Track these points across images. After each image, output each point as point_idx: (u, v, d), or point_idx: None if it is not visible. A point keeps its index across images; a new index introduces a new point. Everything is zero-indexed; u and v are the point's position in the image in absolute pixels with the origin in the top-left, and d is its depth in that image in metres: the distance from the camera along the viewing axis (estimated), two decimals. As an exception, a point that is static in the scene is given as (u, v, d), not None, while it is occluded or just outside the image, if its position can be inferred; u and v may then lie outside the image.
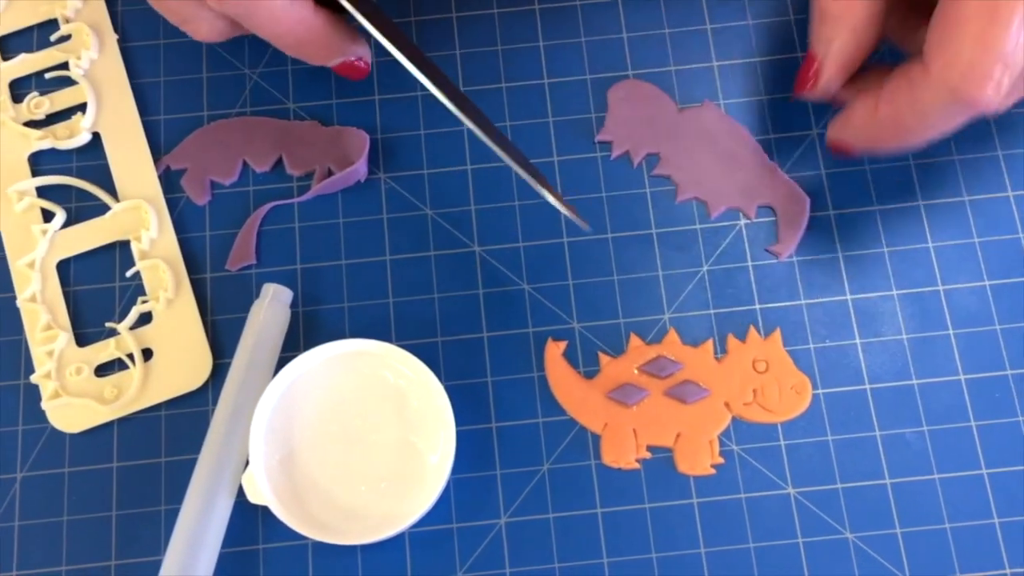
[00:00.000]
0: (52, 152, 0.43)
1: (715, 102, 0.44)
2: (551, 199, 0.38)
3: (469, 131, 0.43)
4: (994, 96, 0.33)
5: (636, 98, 0.44)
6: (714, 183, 0.42)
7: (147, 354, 0.41)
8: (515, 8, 0.45)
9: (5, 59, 0.44)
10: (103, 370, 0.41)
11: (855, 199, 0.42)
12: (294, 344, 0.41)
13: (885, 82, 0.36)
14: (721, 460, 0.39)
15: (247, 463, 0.38)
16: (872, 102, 0.37)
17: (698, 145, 0.43)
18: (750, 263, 0.42)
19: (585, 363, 0.40)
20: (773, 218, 0.42)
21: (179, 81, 0.45)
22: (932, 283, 0.41)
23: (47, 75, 0.44)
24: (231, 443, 0.38)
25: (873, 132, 0.37)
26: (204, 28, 0.39)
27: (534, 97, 0.44)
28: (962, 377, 0.40)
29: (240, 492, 0.38)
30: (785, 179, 0.42)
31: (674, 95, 0.44)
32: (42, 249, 0.41)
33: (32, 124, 0.43)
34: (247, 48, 0.45)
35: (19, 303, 0.41)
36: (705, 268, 0.42)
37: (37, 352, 0.40)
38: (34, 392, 0.40)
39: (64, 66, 0.44)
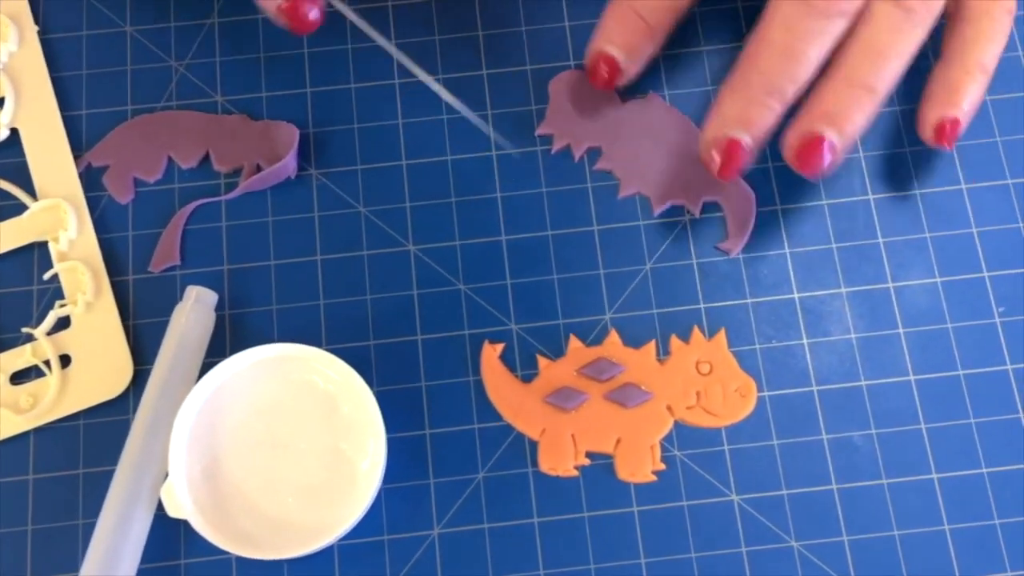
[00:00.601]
0: (-33, 149, 0.41)
1: (660, 94, 0.42)
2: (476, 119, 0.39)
3: (404, 124, 0.42)
4: None
5: (578, 90, 0.42)
6: (658, 178, 0.41)
7: (65, 360, 0.39)
8: (453, -4, 0.44)
9: (-82, 52, 0.42)
10: (19, 378, 0.39)
11: (803, 193, 0.41)
12: (220, 349, 0.39)
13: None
14: (663, 466, 0.38)
15: (168, 474, 0.36)
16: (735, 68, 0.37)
17: (642, 139, 0.41)
18: (695, 260, 0.40)
19: (523, 366, 0.39)
20: (719, 214, 0.41)
21: (102, 74, 0.43)
22: (882, 280, 0.40)
23: (-38, 68, 0.42)
24: (150, 453, 0.37)
25: (750, 83, 0.36)
26: None
27: (473, 88, 0.42)
28: (912, 378, 0.38)
29: (161, 505, 0.36)
30: (732, 173, 0.41)
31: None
32: (-45, 251, 0.40)
33: (-54, 120, 0.42)
34: (173, 39, 0.43)
35: (-70, 308, 0.39)
36: (648, 266, 0.40)
37: (-51, 359, 0.39)
38: (-54, 401, 0.38)
39: (-19, 59, 0.42)
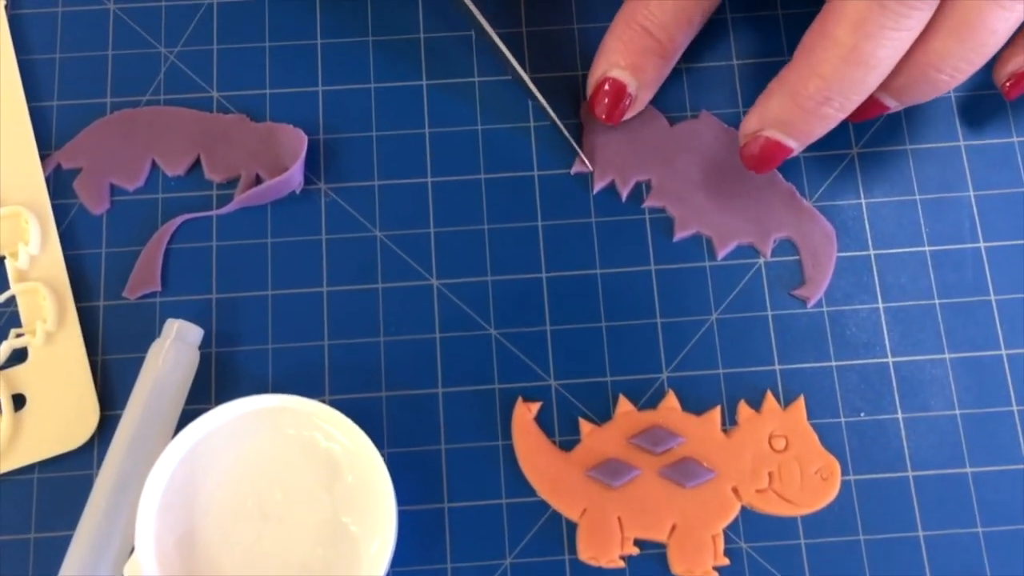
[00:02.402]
0: (-84, 143, 0.35)
1: (713, 112, 0.36)
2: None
3: (431, 134, 0.36)
4: None
5: None
6: (719, 215, 0.35)
7: (19, 402, 0.33)
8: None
9: None
10: (-37, 420, 0.33)
11: (902, 237, 0.35)
12: (204, 395, 0.33)
13: None
14: (726, 561, 0.32)
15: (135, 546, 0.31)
16: (789, 65, 0.31)
17: (696, 167, 0.35)
18: (769, 312, 0.34)
19: (562, 430, 0.33)
20: (796, 256, 0.34)
21: (78, 59, 0.37)
22: (993, 346, 0.34)
23: (-86, 46, 0.36)
24: (115, 518, 0.31)
25: (804, 86, 0.31)
26: None
27: (513, 98, 0.36)
28: (1028, 466, 0.33)
29: (124, 583, 0.31)
30: (807, 206, 0.35)
31: (662, 106, 0.36)
32: None
33: None
34: (164, 21, 0.37)
35: None
36: (714, 316, 0.34)
37: None
38: None
39: (-62, 36, 0.36)
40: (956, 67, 0.30)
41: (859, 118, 0.33)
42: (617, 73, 0.34)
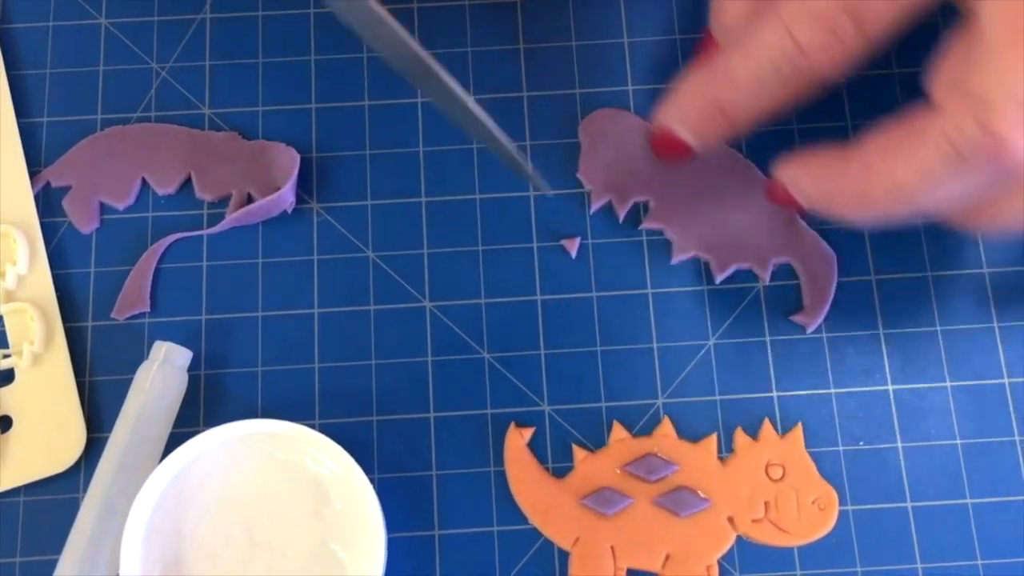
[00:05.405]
0: (-96, 159, 0.35)
1: None
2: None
3: (426, 153, 0.35)
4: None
5: (615, 132, 0.35)
6: (718, 237, 0.34)
7: (5, 423, 0.33)
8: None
9: None
10: (-52, 442, 0.32)
11: (903, 262, 0.34)
12: (192, 418, 0.33)
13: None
14: (721, 592, 0.31)
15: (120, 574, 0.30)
16: (848, 153, 0.28)
17: (695, 189, 0.34)
18: (767, 337, 0.33)
19: (555, 457, 0.32)
20: (796, 281, 0.34)
21: (69, 75, 0.36)
22: (995, 374, 0.33)
23: (-97, 61, 0.36)
24: (101, 544, 0.31)
25: (842, 189, 0.28)
26: None
27: (510, 112, 0.35)
28: (1030, 498, 0.32)
29: (109, 612, 0.30)
30: (807, 231, 0.34)
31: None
32: None
33: None
34: (156, 36, 0.36)
35: None
36: (711, 342, 0.33)
37: None
38: None
39: (-73, 50, 0.36)
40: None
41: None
42: (681, 130, 0.31)
